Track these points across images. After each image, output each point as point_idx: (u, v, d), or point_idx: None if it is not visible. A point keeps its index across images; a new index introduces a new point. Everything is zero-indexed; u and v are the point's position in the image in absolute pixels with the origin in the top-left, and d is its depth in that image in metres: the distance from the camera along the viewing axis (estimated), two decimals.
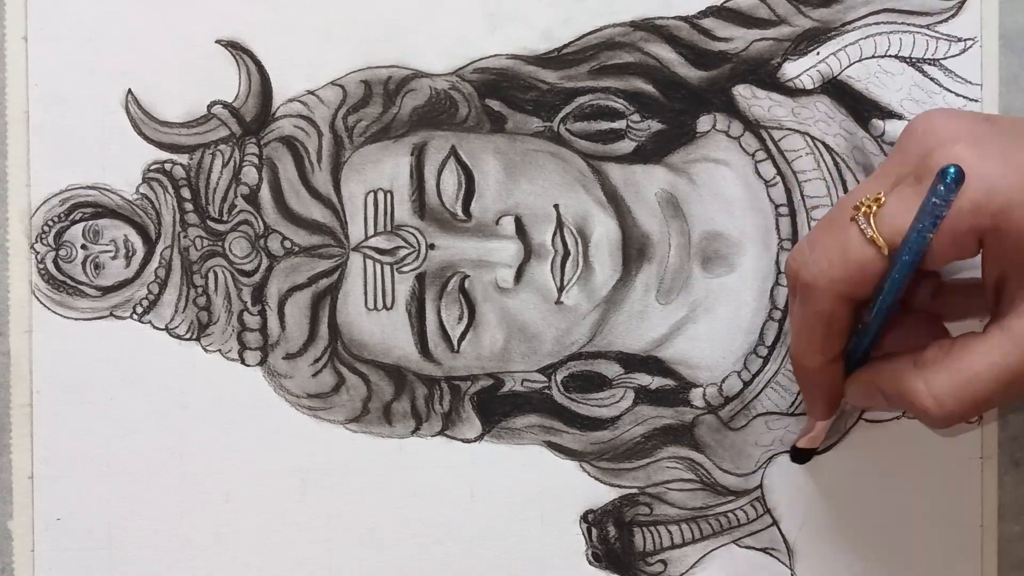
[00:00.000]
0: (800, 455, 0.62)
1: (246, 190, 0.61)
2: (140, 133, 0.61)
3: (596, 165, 0.62)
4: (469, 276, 0.61)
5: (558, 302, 0.62)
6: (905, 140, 0.52)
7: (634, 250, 0.62)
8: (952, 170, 0.48)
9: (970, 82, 0.62)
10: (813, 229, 0.55)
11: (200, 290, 0.61)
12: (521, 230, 0.61)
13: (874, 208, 0.51)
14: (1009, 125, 0.52)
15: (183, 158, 0.61)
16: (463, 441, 0.62)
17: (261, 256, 0.61)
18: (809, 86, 0.62)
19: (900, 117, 0.62)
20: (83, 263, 0.61)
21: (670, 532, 0.62)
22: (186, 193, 0.61)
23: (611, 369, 0.62)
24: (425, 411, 0.61)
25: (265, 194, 0.61)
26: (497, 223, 0.61)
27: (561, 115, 0.62)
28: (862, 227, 0.51)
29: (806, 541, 0.62)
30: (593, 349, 0.62)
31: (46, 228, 0.60)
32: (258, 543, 0.61)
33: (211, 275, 0.61)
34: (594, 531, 0.62)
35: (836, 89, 0.62)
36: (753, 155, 0.62)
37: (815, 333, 0.54)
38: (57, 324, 0.60)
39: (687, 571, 0.62)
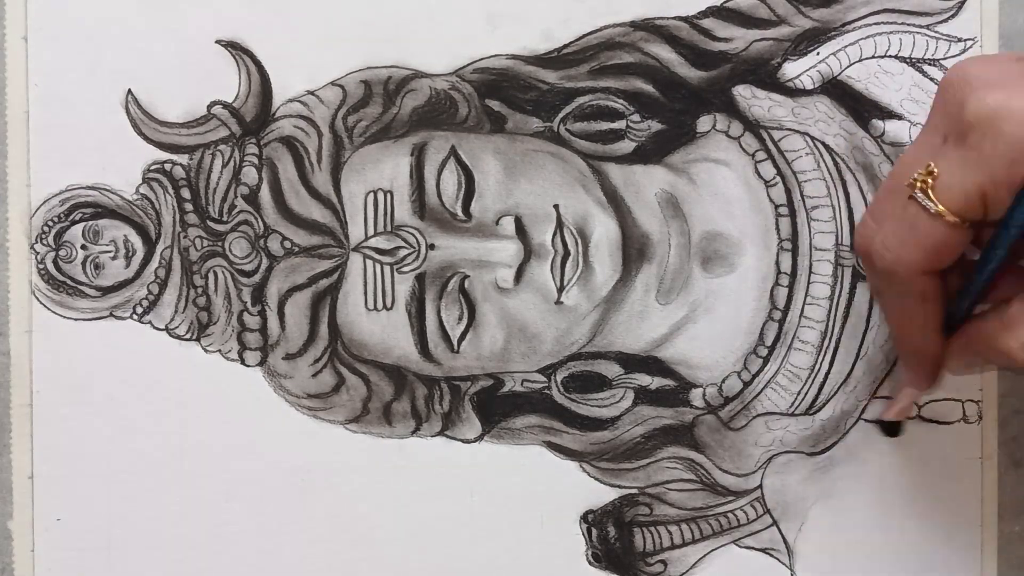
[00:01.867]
0: (892, 428, 0.62)
1: (246, 190, 0.61)
2: (140, 133, 0.61)
3: (596, 165, 0.62)
4: (469, 276, 0.61)
5: (558, 302, 0.62)
6: (942, 93, 0.52)
7: (634, 250, 0.62)
8: None
9: None
10: (874, 203, 0.55)
11: (200, 290, 0.61)
12: (521, 230, 0.61)
13: (929, 182, 0.51)
14: None
15: (183, 158, 0.61)
16: (463, 441, 0.62)
17: (261, 256, 0.61)
18: (809, 86, 0.62)
19: (900, 117, 0.62)
20: (83, 263, 0.61)
21: (670, 532, 0.62)
22: (186, 193, 0.61)
23: (611, 369, 0.62)
24: (425, 411, 0.61)
25: (265, 194, 0.61)
26: (497, 223, 0.61)
27: (561, 115, 0.62)
28: (924, 204, 0.51)
29: (806, 541, 0.62)
30: (593, 349, 0.62)
31: (46, 228, 0.60)
32: (258, 543, 0.61)
33: (211, 275, 0.61)
34: (594, 531, 0.62)
35: (836, 89, 0.62)
36: (753, 155, 0.62)
37: (913, 313, 0.54)
38: (57, 324, 0.60)
39: (687, 571, 0.62)
